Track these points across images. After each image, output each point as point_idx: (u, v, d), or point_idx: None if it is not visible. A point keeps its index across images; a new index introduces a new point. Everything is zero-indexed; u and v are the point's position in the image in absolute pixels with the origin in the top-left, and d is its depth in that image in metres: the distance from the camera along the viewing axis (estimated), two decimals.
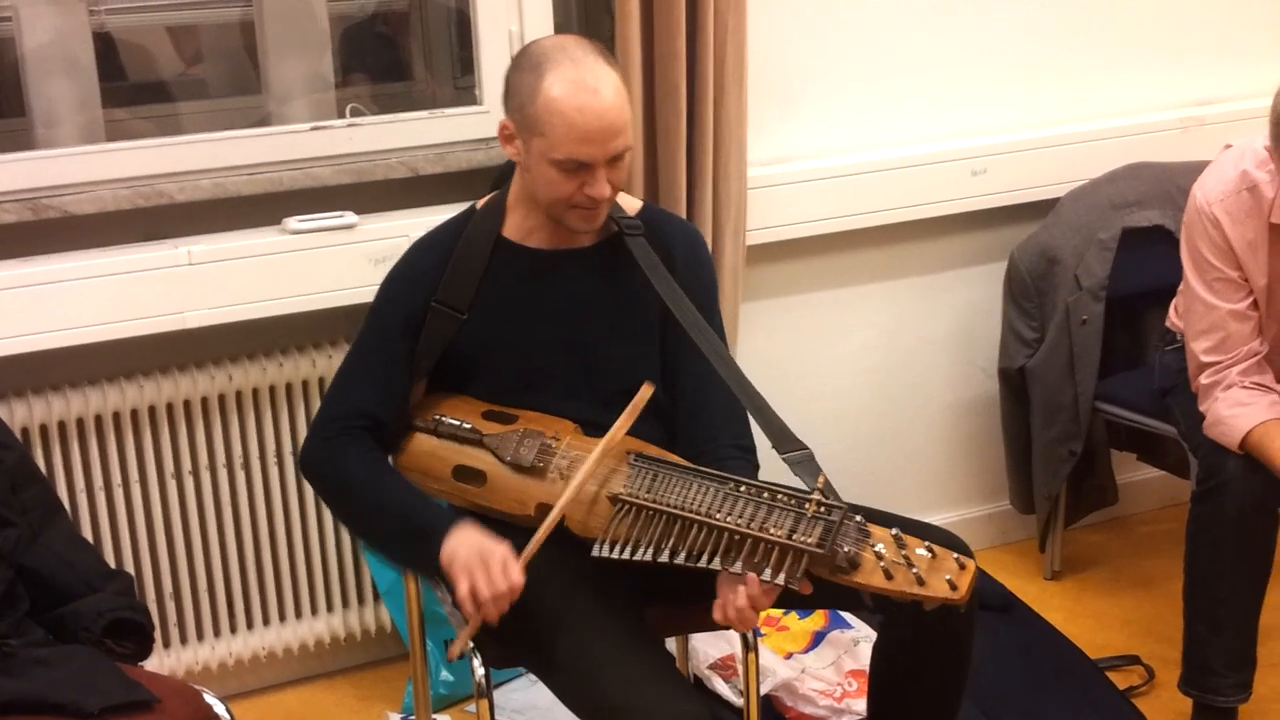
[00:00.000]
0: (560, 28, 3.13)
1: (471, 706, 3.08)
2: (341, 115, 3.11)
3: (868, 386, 3.60)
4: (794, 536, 2.02)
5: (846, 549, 2.00)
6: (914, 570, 1.97)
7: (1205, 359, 2.85)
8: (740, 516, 2.07)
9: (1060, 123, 3.59)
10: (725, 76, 3.06)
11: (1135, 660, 3.21)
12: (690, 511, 2.09)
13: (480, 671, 2.23)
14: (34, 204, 2.78)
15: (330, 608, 3.18)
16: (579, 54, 2.19)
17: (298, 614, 3.15)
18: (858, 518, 2.04)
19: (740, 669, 2.89)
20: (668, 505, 2.11)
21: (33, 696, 2.13)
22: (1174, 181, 3.37)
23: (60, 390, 2.86)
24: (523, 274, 2.34)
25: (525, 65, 2.21)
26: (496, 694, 2.53)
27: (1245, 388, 2.79)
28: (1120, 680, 3.10)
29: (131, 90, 3.43)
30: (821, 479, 2.08)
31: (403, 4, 3.69)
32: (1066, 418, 3.41)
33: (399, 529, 2.27)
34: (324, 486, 2.39)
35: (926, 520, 2.21)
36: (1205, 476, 2.81)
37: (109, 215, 2.84)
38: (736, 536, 2.06)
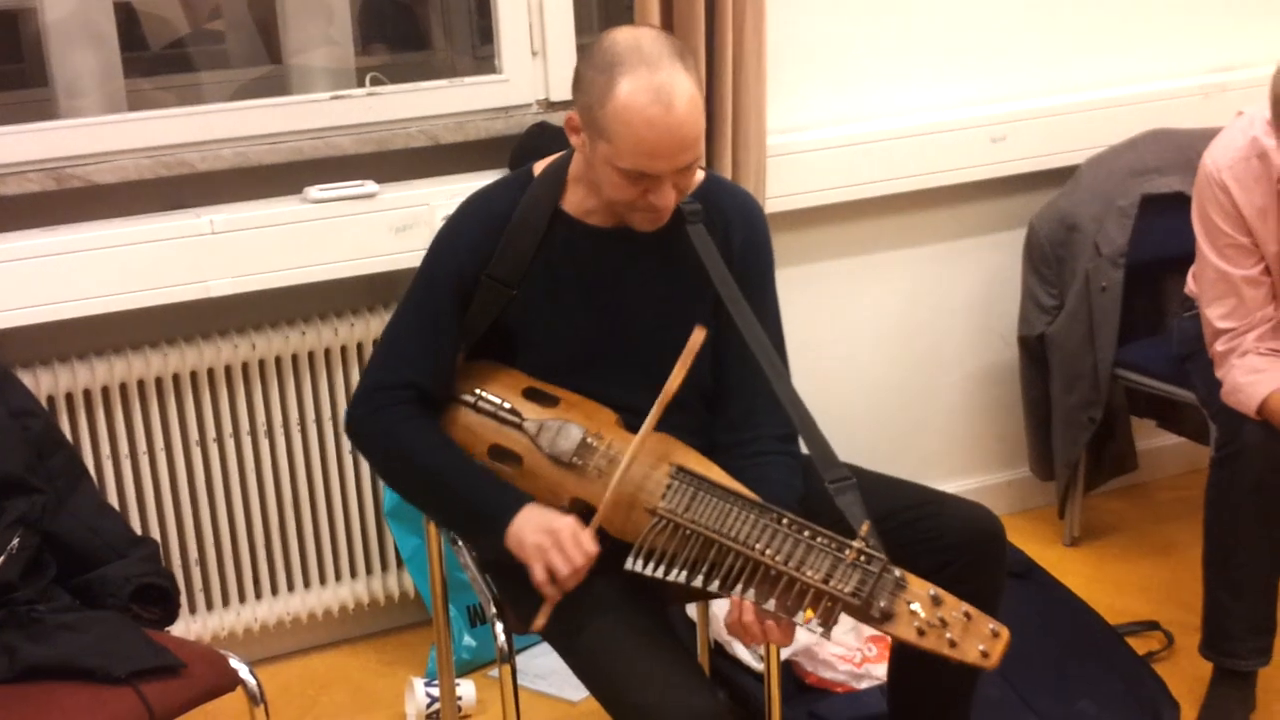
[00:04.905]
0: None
1: (494, 671, 3.10)
2: (361, 85, 3.11)
3: (887, 354, 3.60)
4: (830, 582, 1.97)
5: (882, 603, 1.95)
6: (948, 634, 1.93)
7: (1220, 325, 2.85)
8: (778, 552, 2.01)
9: (1080, 89, 3.58)
10: (744, 43, 3.05)
11: (1154, 626, 3.21)
12: (727, 538, 2.05)
13: (503, 637, 2.25)
14: (57, 174, 2.79)
15: (354, 574, 3.21)
16: (654, 56, 2.04)
17: (322, 580, 3.18)
18: (897, 572, 1.98)
19: None
20: (705, 528, 2.07)
21: (60, 661, 2.17)
22: (1194, 148, 3.33)
23: (85, 358, 2.88)
24: (578, 251, 2.26)
25: (598, 61, 2.07)
26: (519, 659, 2.55)
27: (1261, 354, 2.79)
28: (1140, 646, 3.11)
29: (153, 60, 3.44)
30: (866, 526, 2.01)
31: None
32: (1086, 385, 3.41)
33: (461, 512, 2.23)
34: (378, 459, 2.33)
35: (946, 487, 2.20)
36: (1224, 442, 2.82)
37: (131, 185, 2.86)
38: (772, 572, 2.01)
